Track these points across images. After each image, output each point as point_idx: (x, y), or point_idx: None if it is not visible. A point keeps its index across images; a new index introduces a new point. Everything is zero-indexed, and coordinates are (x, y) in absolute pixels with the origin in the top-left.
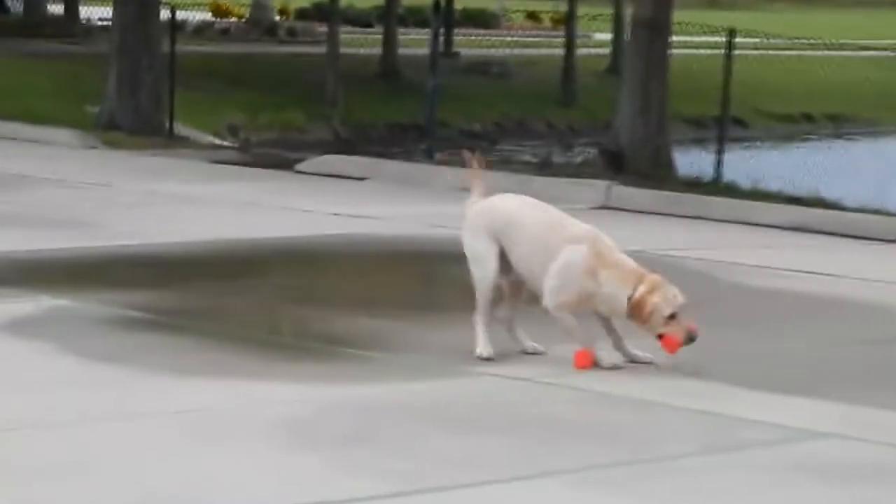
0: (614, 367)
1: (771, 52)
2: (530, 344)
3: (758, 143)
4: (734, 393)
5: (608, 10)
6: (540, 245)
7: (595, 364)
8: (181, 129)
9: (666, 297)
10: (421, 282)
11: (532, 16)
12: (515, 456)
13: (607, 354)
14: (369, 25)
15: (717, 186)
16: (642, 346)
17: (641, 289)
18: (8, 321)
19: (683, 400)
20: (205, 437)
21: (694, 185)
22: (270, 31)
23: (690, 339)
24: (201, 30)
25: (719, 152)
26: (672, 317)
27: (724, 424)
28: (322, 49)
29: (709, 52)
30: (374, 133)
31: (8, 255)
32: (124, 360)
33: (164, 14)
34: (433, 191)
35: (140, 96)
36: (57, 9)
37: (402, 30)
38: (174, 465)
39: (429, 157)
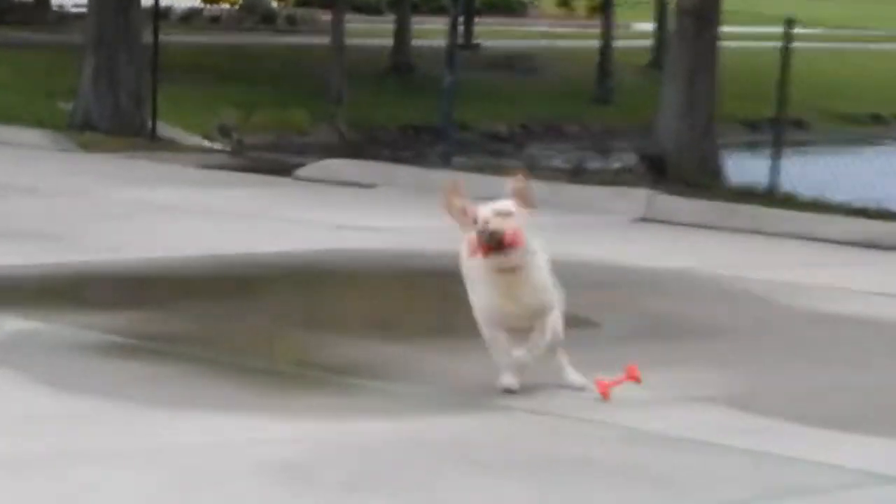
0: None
1: (833, 44)
2: (572, 378)
3: (819, 148)
4: (790, 430)
5: None
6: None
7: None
8: (166, 129)
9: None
10: (438, 303)
11: (564, 3)
12: (540, 500)
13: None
14: (379, 13)
15: (773, 197)
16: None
17: None
18: None
19: (732, 438)
20: (193, 480)
21: (747, 195)
22: (267, 20)
23: (482, 232)
24: (188, 17)
25: (776, 158)
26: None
27: (779, 466)
28: (326, 40)
29: (763, 44)
30: (383, 135)
31: None
32: (103, 391)
33: (146, 0)
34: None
35: (119, 92)
36: None
37: (415, 18)
38: None
39: (445, 162)
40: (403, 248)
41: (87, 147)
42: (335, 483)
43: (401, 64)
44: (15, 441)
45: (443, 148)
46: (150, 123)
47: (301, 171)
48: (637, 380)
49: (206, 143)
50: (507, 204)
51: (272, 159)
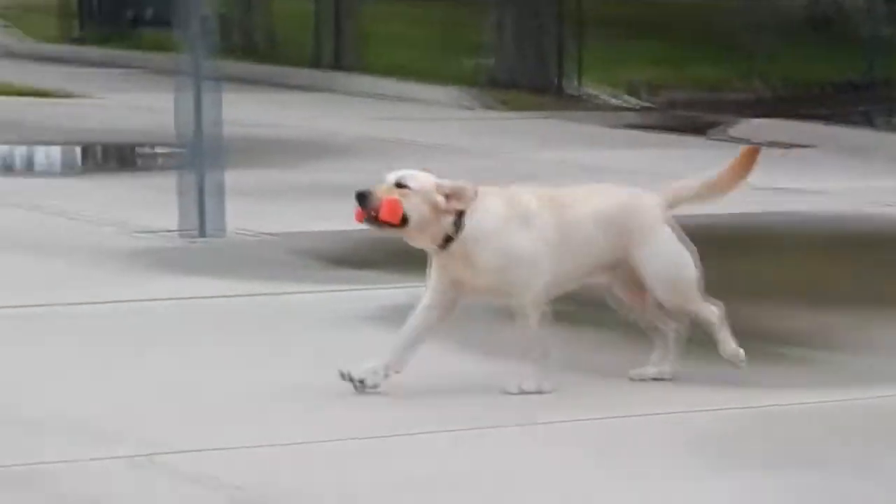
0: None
1: None
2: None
3: None
4: None
5: None
6: None
7: None
8: (578, 86)
9: None
10: (870, 270)
11: None
12: None
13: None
14: None
15: None
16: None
17: None
18: (380, 310)
19: None
20: (614, 453)
21: None
22: None
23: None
24: None
25: None
26: None
27: None
28: None
29: None
30: (801, 92)
31: (374, 235)
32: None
33: None
34: (877, 161)
35: (532, 48)
36: None
37: None
38: (567, 487)
39: (869, 121)
40: (836, 212)
41: (501, 105)
42: (759, 457)
43: (819, 16)
44: (439, 405)
45: (866, 107)
46: (561, 79)
47: (732, 131)
48: None
49: (619, 101)
50: (421, 178)
51: (688, 118)
